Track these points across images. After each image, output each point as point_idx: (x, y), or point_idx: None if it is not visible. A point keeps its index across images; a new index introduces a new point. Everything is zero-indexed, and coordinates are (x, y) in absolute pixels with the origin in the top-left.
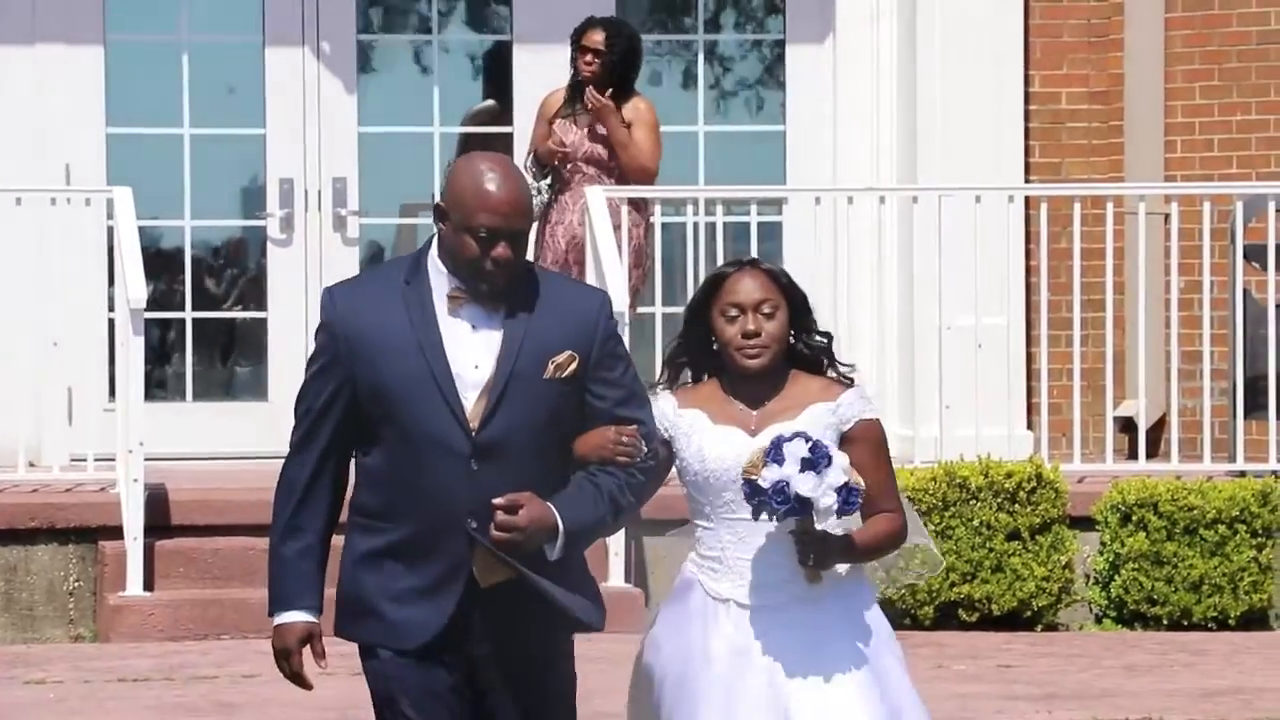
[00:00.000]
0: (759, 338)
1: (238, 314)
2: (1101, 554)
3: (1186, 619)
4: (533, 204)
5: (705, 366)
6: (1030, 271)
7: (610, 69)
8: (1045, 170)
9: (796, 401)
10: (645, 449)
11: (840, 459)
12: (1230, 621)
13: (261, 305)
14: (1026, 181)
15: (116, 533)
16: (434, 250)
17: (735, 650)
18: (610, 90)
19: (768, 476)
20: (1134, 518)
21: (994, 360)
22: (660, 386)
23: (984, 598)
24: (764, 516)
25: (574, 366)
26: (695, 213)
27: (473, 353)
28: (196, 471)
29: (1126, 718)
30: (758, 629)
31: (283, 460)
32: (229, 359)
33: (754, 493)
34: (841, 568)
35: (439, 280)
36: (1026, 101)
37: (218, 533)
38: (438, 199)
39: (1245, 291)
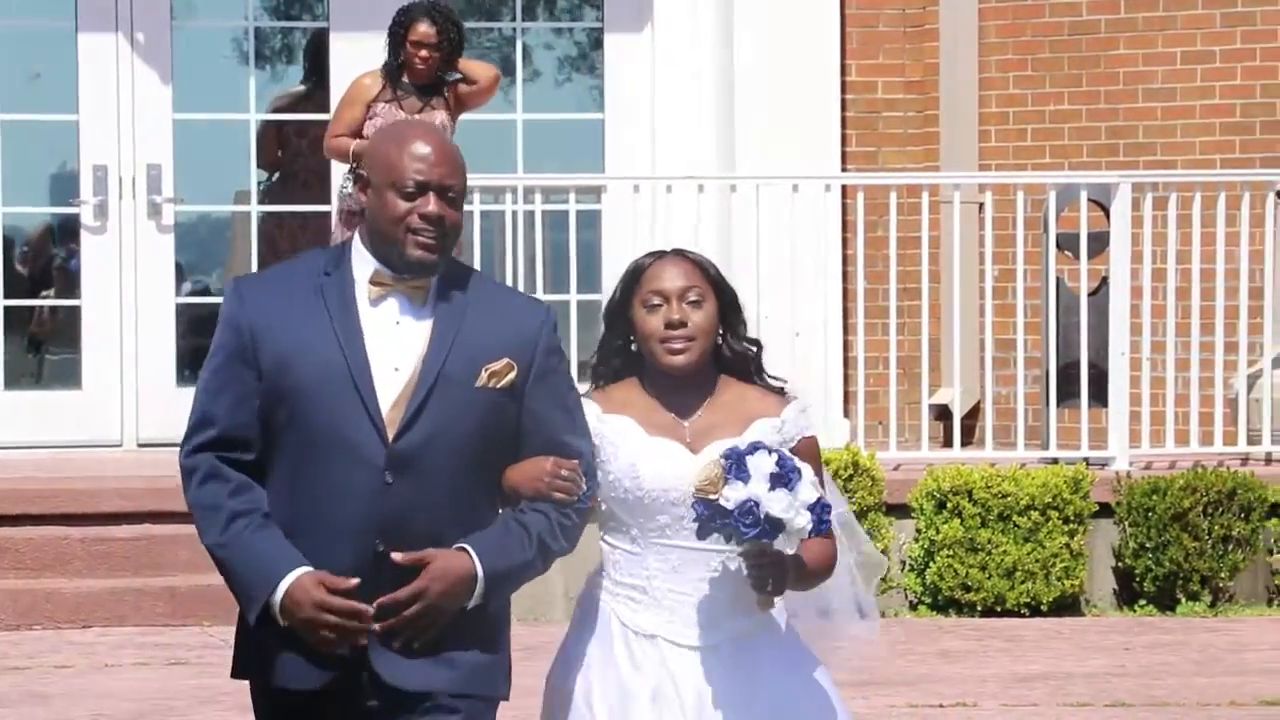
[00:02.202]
0: (684, 328)
1: (50, 302)
2: (917, 541)
3: (1000, 605)
4: (464, 165)
5: (626, 373)
6: (847, 260)
7: (447, 59)
8: (862, 159)
9: (736, 414)
10: (585, 487)
11: (807, 472)
12: (1043, 607)
13: (75, 293)
14: (843, 170)
15: None
16: (358, 238)
17: (666, 695)
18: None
19: (732, 496)
20: (949, 505)
21: (811, 349)
22: (586, 394)
23: None
24: (725, 541)
25: (511, 376)
26: (514, 201)
27: (396, 349)
28: (8, 461)
29: (941, 703)
30: (699, 672)
31: (102, 449)
32: (42, 347)
33: (715, 515)
34: (775, 608)
35: (363, 269)
36: (843, 91)
37: (30, 522)
38: (360, 170)
39: (1058, 280)
